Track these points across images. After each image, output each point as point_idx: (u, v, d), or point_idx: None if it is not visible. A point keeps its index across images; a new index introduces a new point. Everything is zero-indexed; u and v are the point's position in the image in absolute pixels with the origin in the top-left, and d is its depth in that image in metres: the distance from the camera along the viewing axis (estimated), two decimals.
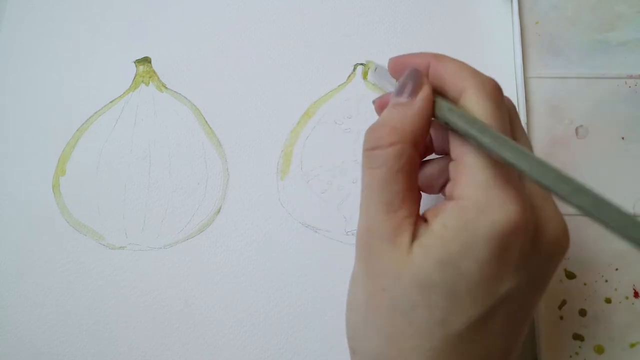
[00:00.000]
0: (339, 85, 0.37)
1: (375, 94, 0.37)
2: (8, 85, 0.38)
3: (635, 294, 0.32)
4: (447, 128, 0.22)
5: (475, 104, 0.21)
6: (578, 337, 0.32)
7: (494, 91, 0.22)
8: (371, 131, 0.23)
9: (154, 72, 0.38)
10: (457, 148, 0.22)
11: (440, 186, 0.25)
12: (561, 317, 0.32)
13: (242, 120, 0.37)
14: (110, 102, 0.38)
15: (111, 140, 0.37)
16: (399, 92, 0.23)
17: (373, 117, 0.36)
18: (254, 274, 0.33)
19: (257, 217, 0.35)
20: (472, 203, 0.20)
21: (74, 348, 0.32)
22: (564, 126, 0.36)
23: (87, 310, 0.33)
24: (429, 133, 0.25)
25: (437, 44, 0.38)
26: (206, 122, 0.37)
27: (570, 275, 0.33)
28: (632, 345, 0.32)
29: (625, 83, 0.37)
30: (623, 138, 0.36)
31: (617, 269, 0.33)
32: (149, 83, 0.38)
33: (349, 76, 0.38)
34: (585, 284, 0.33)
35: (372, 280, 0.22)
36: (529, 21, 0.38)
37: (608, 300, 0.32)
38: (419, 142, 0.22)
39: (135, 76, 0.38)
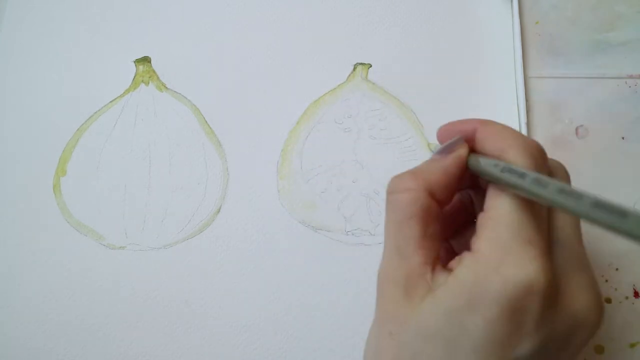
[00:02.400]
0: (339, 85, 0.37)
1: (375, 94, 0.37)
2: (8, 85, 0.38)
3: (635, 294, 0.32)
4: (486, 181, 0.22)
5: (516, 160, 0.21)
6: None
7: (536, 152, 0.22)
8: (395, 176, 0.24)
9: (154, 72, 0.38)
10: (489, 200, 0.22)
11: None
12: None
13: (242, 120, 0.37)
14: (110, 102, 0.38)
15: (111, 140, 0.37)
16: (439, 152, 0.24)
17: (373, 117, 0.36)
18: (254, 274, 0.33)
19: (257, 216, 0.35)
20: (487, 257, 0.20)
21: (74, 348, 0.32)
22: (564, 126, 0.36)
23: (87, 310, 0.33)
24: (459, 192, 0.25)
25: (437, 44, 0.38)
26: (206, 122, 0.37)
27: None
28: (632, 345, 0.32)
29: (625, 83, 0.37)
30: (623, 138, 0.36)
31: (617, 269, 0.33)
32: (148, 83, 0.38)
33: (349, 76, 0.38)
34: None
35: (382, 322, 0.22)
36: (529, 21, 0.38)
37: (608, 300, 0.32)
38: (438, 194, 0.23)
39: (135, 76, 0.38)
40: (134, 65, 0.38)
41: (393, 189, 0.23)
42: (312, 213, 0.35)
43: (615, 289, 0.32)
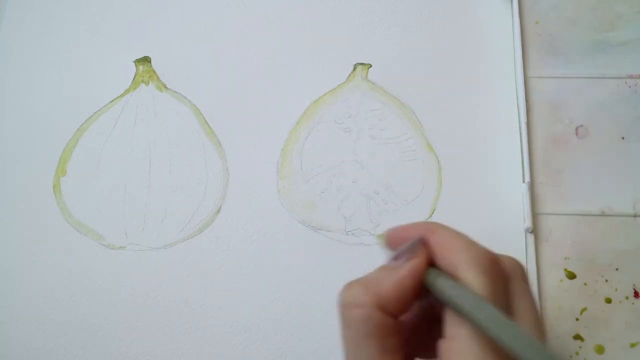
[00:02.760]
0: (339, 85, 0.37)
1: (375, 94, 0.37)
2: (8, 85, 0.38)
3: (635, 294, 0.32)
4: (442, 302, 0.21)
5: (468, 282, 0.20)
6: (578, 337, 0.32)
7: (489, 266, 0.21)
8: (346, 286, 0.22)
9: (154, 72, 0.38)
10: (449, 328, 0.21)
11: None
12: (561, 318, 0.32)
13: (242, 120, 0.37)
14: (110, 102, 0.38)
15: (111, 140, 0.37)
16: (396, 257, 0.23)
17: (373, 117, 0.36)
18: (254, 274, 0.33)
19: (257, 216, 0.35)
20: None
21: (74, 348, 0.32)
22: (564, 126, 0.36)
23: (87, 310, 0.33)
24: (414, 302, 0.24)
25: (437, 44, 0.38)
26: (206, 122, 0.37)
27: (570, 275, 0.33)
28: (632, 345, 0.32)
29: (625, 83, 0.37)
30: (623, 138, 0.36)
31: (617, 269, 0.33)
32: (148, 83, 0.38)
33: (349, 76, 0.38)
34: (585, 284, 0.33)
35: None
36: (529, 21, 0.38)
37: (608, 300, 0.32)
38: (392, 309, 0.21)
39: (135, 76, 0.38)
40: (134, 65, 0.38)
41: (344, 302, 0.21)
42: (312, 213, 0.35)
43: (615, 289, 0.32)
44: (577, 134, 0.36)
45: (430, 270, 0.22)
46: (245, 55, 0.38)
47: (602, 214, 0.34)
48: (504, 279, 0.21)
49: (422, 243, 0.22)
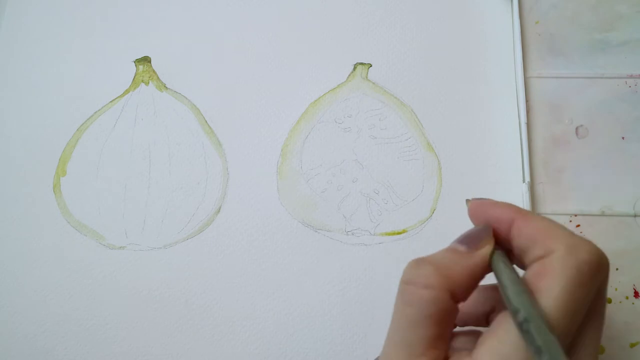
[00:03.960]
0: (339, 85, 0.37)
1: (376, 94, 0.37)
2: (8, 85, 0.38)
3: (636, 294, 0.32)
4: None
5: (555, 273, 0.19)
6: None
7: (586, 263, 0.19)
8: (414, 263, 0.21)
9: (154, 71, 0.38)
10: (499, 317, 0.20)
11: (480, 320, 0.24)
12: None
13: (242, 120, 0.37)
14: (110, 101, 0.38)
15: (111, 140, 0.37)
16: (462, 240, 0.22)
17: (373, 117, 0.36)
18: (254, 273, 0.33)
19: (257, 217, 0.35)
20: None
21: (74, 348, 0.32)
22: (564, 126, 0.36)
23: (87, 310, 0.33)
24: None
25: (437, 44, 0.38)
26: (206, 122, 0.37)
27: None
28: (632, 345, 0.32)
29: (625, 83, 0.37)
30: (623, 138, 0.36)
31: (617, 269, 0.33)
32: (148, 83, 0.38)
33: (349, 76, 0.38)
34: None
35: None
36: (529, 21, 0.38)
37: (608, 300, 0.32)
38: (460, 296, 0.21)
39: (135, 76, 0.38)
40: (134, 65, 0.38)
41: (412, 279, 0.21)
42: (312, 213, 0.35)
43: (615, 289, 0.32)
44: (577, 134, 0.36)
45: (498, 255, 0.21)
46: (245, 55, 0.38)
47: (602, 214, 0.34)
48: (596, 283, 0.20)
49: (491, 231, 0.22)
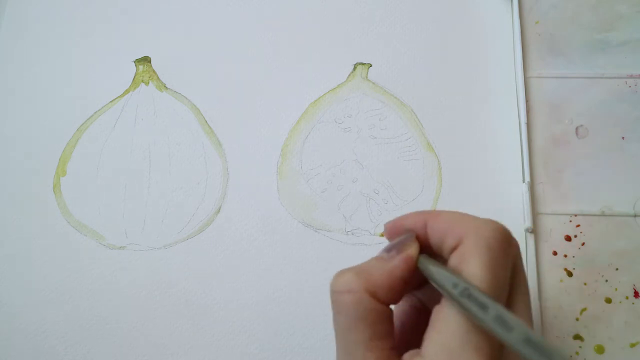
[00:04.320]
0: (338, 85, 0.37)
1: (376, 94, 0.37)
2: (8, 85, 0.38)
3: (635, 294, 0.32)
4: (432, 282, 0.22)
5: (470, 255, 0.20)
6: (578, 337, 0.32)
7: (494, 237, 0.21)
8: (338, 273, 0.22)
9: (154, 71, 0.38)
10: (440, 304, 0.21)
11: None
12: (561, 318, 0.32)
13: (242, 120, 0.37)
14: (110, 101, 0.38)
15: (111, 140, 0.37)
16: (388, 249, 0.23)
17: (373, 117, 0.36)
18: (254, 273, 0.33)
19: (257, 217, 0.35)
20: None
21: (74, 348, 0.32)
22: (564, 126, 0.36)
23: (87, 310, 0.33)
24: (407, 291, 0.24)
25: (437, 44, 0.38)
26: (206, 122, 0.37)
27: (570, 275, 0.33)
28: (632, 345, 0.32)
29: (625, 83, 0.37)
30: (623, 138, 0.36)
31: (617, 269, 0.33)
32: (148, 83, 0.38)
33: (349, 76, 0.38)
34: (585, 284, 0.33)
35: None
36: (529, 21, 0.38)
37: (608, 300, 0.32)
38: (384, 296, 0.22)
39: (135, 76, 0.38)
40: (134, 65, 0.38)
41: (335, 287, 0.22)
42: (312, 213, 0.35)
43: (615, 289, 0.32)
44: (577, 134, 0.36)
45: (423, 257, 0.22)
46: (245, 55, 0.38)
47: (602, 214, 0.34)
48: (511, 252, 0.21)
49: (414, 236, 0.23)
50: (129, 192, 0.35)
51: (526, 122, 0.35)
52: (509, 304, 0.21)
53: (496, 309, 0.19)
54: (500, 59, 0.37)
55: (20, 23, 0.40)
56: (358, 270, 0.22)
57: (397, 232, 0.24)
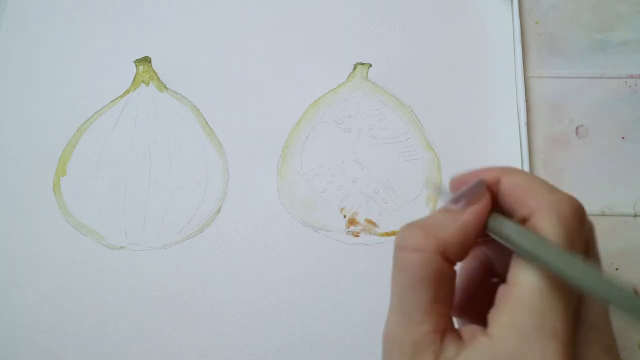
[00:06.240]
0: (338, 85, 0.37)
1: (376, 94, 0.37)
2: (8, 86, 0.38)
3: (636, 294, 0.32)
4: (509, 249, 0.20)
5: (545, 228, 0.19)
6: None
7: (570, 214, 0.19)
8: (404, 227, 0.21)
9: (154, 72, 0.38)
10: (512, 274, 0.19)
11: (479, 312, 0.23)
12: None
13: (242, 120, 0.37)
14: (111, 102, 0.38)
15: (111, 140, 0.37)
16: (455, 200, 0.21)
17: (373, 117, 0.36)
18: (254, 273, 0.33)
19: (257, 217, 0.35)
20: (504, 347, 0.18)
21: (74, 348, 0.32)
22: (564, 126, 0.36)
23: (87, 310, 0.33)
24: (481, 252, 0.23)
25: (437, 44, 0.38)
26: (206, 122, 0.37)
27: None
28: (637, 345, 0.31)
29: (625, 83, 0.37)
30: (623, 138, 0.36)
31: (617, 269, 0.33)
32: (149, 83, 0.38)
33: (349, 76, 0.38)
34: None
35: None
36: (529, 21, 0.38)
37: None
38: (453, 256, 0.20)
39: (135, 76, 0.38)
40: (134, 65, 0.38)
41: (401, 244, 0.20)
42: (312, 213, 0.35)
43: None
44: (577, 134, 0.36)
45: (494, 215, 0.21)
46: (245, 56, 0.38)
47: (602, 214, 0.34)
48: (584, 232, 0.20)
49: (485, 186, 0.21)
50: (129, 192, 0.35)
51: (526, 122, 0.35)
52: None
53: (592, 267, 0.17)
54: (500, 59, 0.37)
55: (20, 23, 0.40)
56: (426, 226, 0.20)
57: (466, 183, 0.22)
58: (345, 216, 0.34)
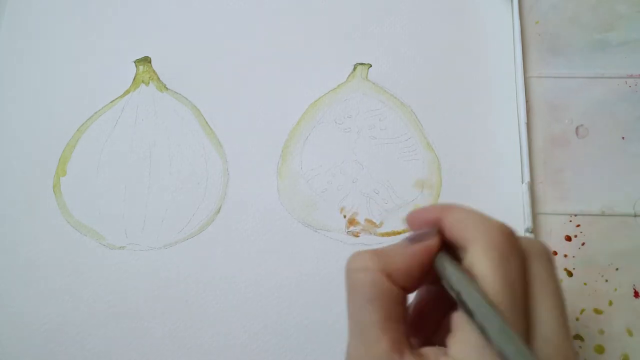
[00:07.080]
0: (339, 85, 0.37)
1: (376, 94, 0.37)
2: (8, 86, 0.38)
3: (635, 294, 0.32)
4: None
5: (477, 260, 0.20)
6: (578, 337, 0.32)
7: (500, 239, 0.20)
8: (355, 253, 0.22)
9: (154, 72, 0.38)
10: (458, 315, 0.20)
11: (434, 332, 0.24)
12: None
13: (242, 120, 0.37)
14: (111, 102, 0.38)
15: (111, 140, 0.37)
16: (409, 239, 0.23)
17: (373, 117, 0.36)
18: (254, 274, 0.33)
19: (257, 217, 0.35)
20: None
21: (74, 348, 0.32)
22: (564, 126, 0.36)
23: (87, 310, 0.33)
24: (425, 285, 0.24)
25: (437, 44, 0.38)
26: (206, 122, 0.37)
27: (570, 275, 0.33)
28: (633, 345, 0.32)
29: (625, 83, 0.37)
30: (623, 138, 0.36)
31: (617, 269, 0.33)
32: (149, 83, 0.38)
33: (349, 76, 0.38)
34: (585, 284, 0.33)
35: None
36: (529, 21, 0.38)
37: (609, 302, 0.32)
38: (397, 278, 0.21)
39: (135, 76, 0.38)
40: (134, 65, 0.38)
41: (351, 266, 0.22)
42: (312, 213, 0.35)
43: (615, 289, 0.32)
44: (577, 134, 0.36)
45: (442, 255, 0.22)
46: (245, 56, 0.38)
47: (602, 214, 0.34)
48: (520, 257, 0.21)
49: (438, 230, 0.22)
50: (129, 192, 0.35)
51: (526, 122, 0.35)
52: (533, 311, 0.20)
53: (498, 320, 0.18)
54: (500, 59, 0.37)
55: (20, 23, 0.40)
56: (375, 251, 0.22)
57: (418, 225, 0.23)
58: (345, 216, 0.34)
